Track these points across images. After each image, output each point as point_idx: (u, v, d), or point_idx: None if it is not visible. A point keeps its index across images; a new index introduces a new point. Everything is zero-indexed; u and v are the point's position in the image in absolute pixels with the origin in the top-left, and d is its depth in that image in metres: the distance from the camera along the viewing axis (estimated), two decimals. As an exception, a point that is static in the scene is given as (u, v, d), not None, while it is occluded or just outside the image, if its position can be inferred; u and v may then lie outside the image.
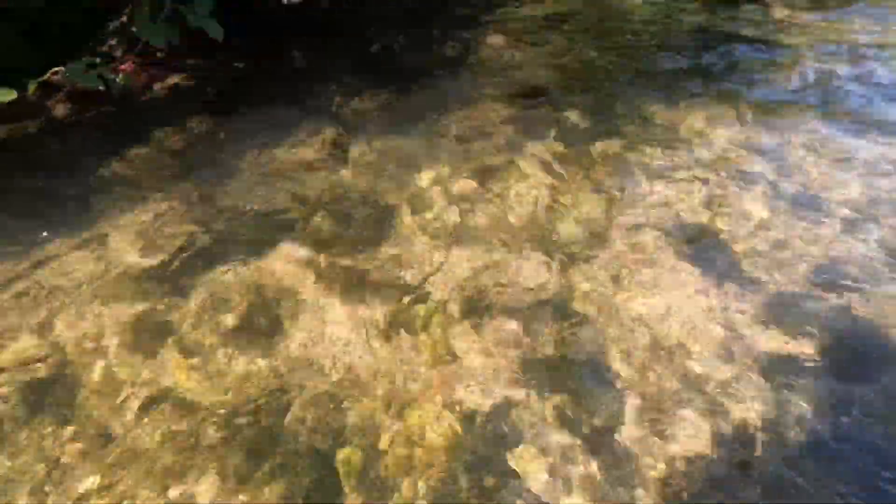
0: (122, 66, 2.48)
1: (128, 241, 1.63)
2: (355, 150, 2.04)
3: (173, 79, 2.49)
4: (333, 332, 1.35)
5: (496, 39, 3.00)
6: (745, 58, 2.76)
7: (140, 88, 2.40)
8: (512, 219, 1.71)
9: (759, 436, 1.14)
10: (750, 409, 1.18)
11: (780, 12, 3.35)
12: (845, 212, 1.68)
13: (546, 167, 1.93)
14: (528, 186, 1.84)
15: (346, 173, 1.92)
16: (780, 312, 1.38)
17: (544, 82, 2.54)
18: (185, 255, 1.59)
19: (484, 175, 1.90)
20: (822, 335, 1.32)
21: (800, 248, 1.55)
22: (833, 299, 1.41)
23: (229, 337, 1.35)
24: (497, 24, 3.21)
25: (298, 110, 2.29)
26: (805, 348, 1.29)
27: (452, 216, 1.72)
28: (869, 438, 1.13)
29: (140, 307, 1.44)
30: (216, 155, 2.01)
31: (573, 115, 2.25)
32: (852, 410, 1.18)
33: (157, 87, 2.43)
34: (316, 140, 2.09)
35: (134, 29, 2.57)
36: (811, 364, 1.26)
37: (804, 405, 1.18)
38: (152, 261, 1.57)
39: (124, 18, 2.71)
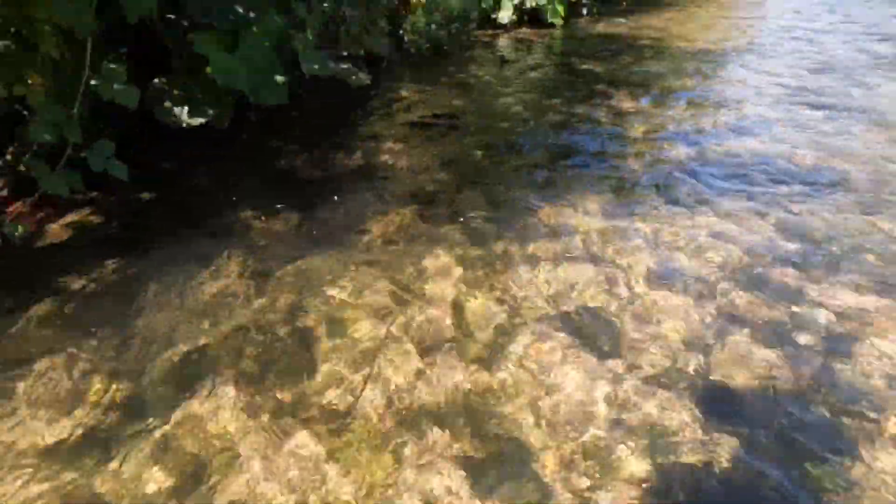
0: (10, 209, 2.40)
1: (37, 409, 1.57)
2: (271, 275, 2.13)
3: (70, 217, 2.44)
4: (272, 476, 1.40)
5: (392, 146, 3.31)
6: (604, 147, 3.30)
7: (33, 231, 2.33)
8: (427, 326, 1.89)
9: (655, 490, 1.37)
10: (643, 472, 1.41)
11: (623, 104, 4.06)
12: (696, 285, 2.08)
13: (451, 271, 2.17)
14: (438, 292, 2.05)
15: (265, 301, 2.01)
16: (657, 382, 1.68)
17: (440, 185, 2.85)
18: (105, 414, 1.56)
19: (396, 285, 2.08)
20: (692, 399, 1.62)
21: (665, 324, 1.90)
22: (695, 366, 1.74)
23: (164, 498, 1.35)
24: (392, 131, 3.54)
25: (209, 238, 2.35)
26: (678, 412, 1.58)
27: (372, 331, 1.87)
28: (740, 480, 1.40)
29: (60, 481, 1.39)
30: (127, 298, 2.00)
31: (468, 216, 2.55)
32: (724, 459, 1.46)
33: (52, 227, 2.37)
34: (231, 268, 2.17)
35: (22, 168, 2.52)
36: (685, 424, 1.55)
37: (684, 460, 1.44)
38: (69, 427, 1.52)
39: (9, 157, 2.64)
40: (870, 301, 1.98)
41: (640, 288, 2.07)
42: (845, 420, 1.55)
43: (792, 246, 2.29)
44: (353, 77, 3.55)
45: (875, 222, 2.44)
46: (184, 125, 3.01)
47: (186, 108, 3.02)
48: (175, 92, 3.02)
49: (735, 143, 3.29)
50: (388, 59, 5.04)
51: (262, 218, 2.51)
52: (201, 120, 3.05)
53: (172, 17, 3.06)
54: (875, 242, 2.30)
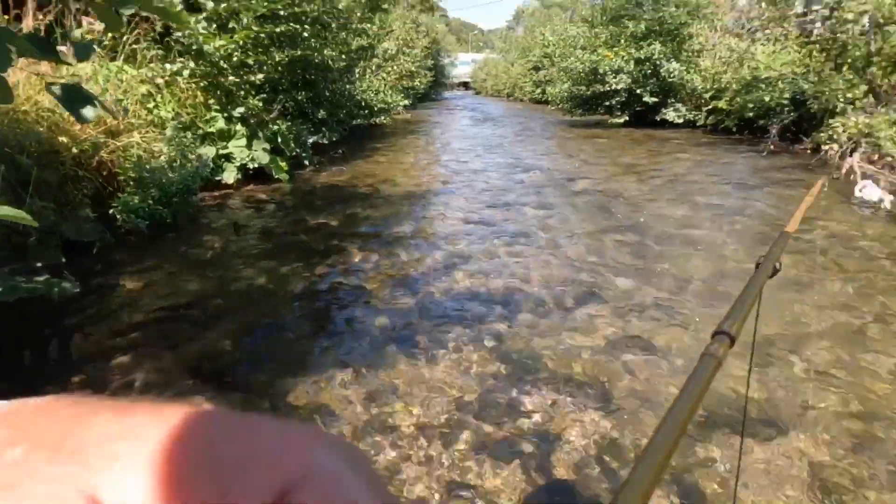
0: None
1: None
2: None
3: None
4: None
5: (122, 359, 2.98)
6: (347, 310, 3.65)
7: None
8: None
9: None
10: None
11: (356, 257, 4.61)
12: (445, 429, 2.46)
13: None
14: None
15: None
16: (434, 544, 1.91)
17: (190, 396, 2.69)
18: None
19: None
20: (462, 547, 1.90)
21: (432, 469, 2.19)
22: (465, 498, 2.05)
23: None
24: (119, 340, 3.19)
25: None
26: (457, 566, 1.83)
27: None
28: None
29: None
30: None
31: (229, 423, 2.47)
32: None
33: None
34: None
35: None
36: (464, 576, 1.80)
37: None
38: None
39: None
40: (563, 401, 2.69)
41: (406, 445, 2.34)
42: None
43: (502, 368, 2.94)
44: (56, 289, 3.13)
45: (557, 335, 3.35)
46: None
47: None
48: None
49: (450, 281, 4.09)
50: (101, 246, 4.59)
51: None
52: None
53: None
54: (560, 350, 3.15)
